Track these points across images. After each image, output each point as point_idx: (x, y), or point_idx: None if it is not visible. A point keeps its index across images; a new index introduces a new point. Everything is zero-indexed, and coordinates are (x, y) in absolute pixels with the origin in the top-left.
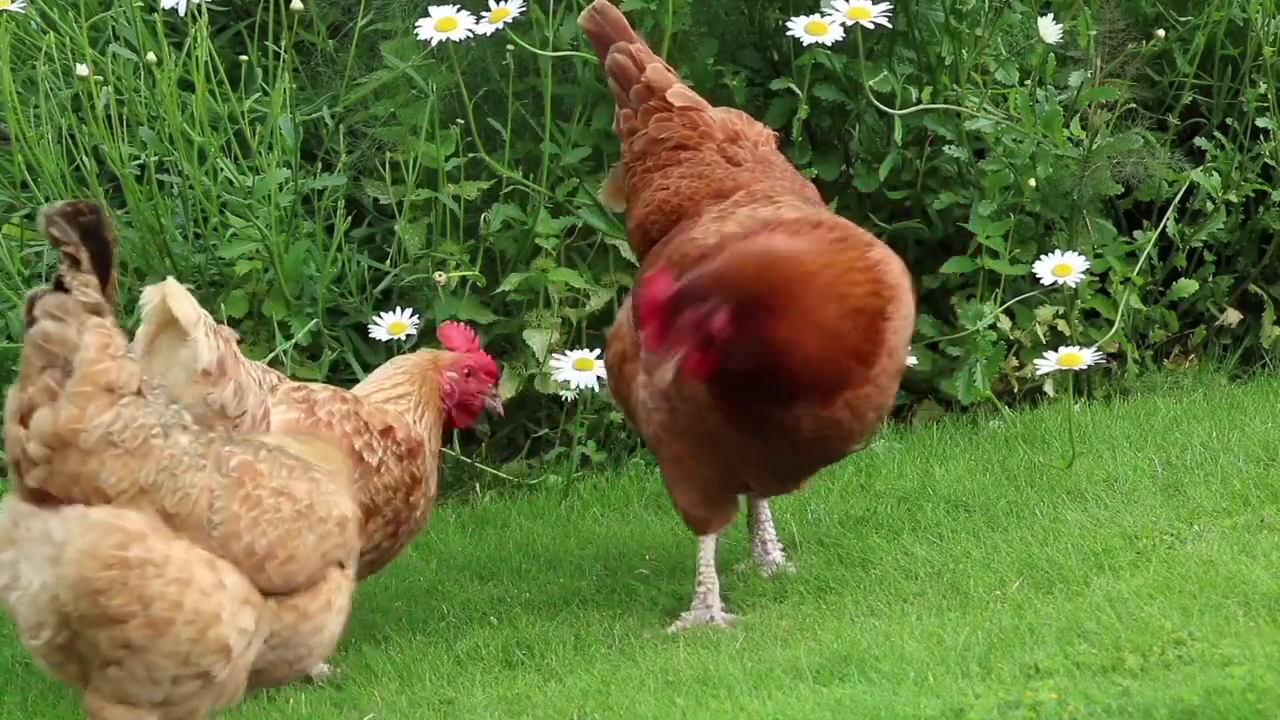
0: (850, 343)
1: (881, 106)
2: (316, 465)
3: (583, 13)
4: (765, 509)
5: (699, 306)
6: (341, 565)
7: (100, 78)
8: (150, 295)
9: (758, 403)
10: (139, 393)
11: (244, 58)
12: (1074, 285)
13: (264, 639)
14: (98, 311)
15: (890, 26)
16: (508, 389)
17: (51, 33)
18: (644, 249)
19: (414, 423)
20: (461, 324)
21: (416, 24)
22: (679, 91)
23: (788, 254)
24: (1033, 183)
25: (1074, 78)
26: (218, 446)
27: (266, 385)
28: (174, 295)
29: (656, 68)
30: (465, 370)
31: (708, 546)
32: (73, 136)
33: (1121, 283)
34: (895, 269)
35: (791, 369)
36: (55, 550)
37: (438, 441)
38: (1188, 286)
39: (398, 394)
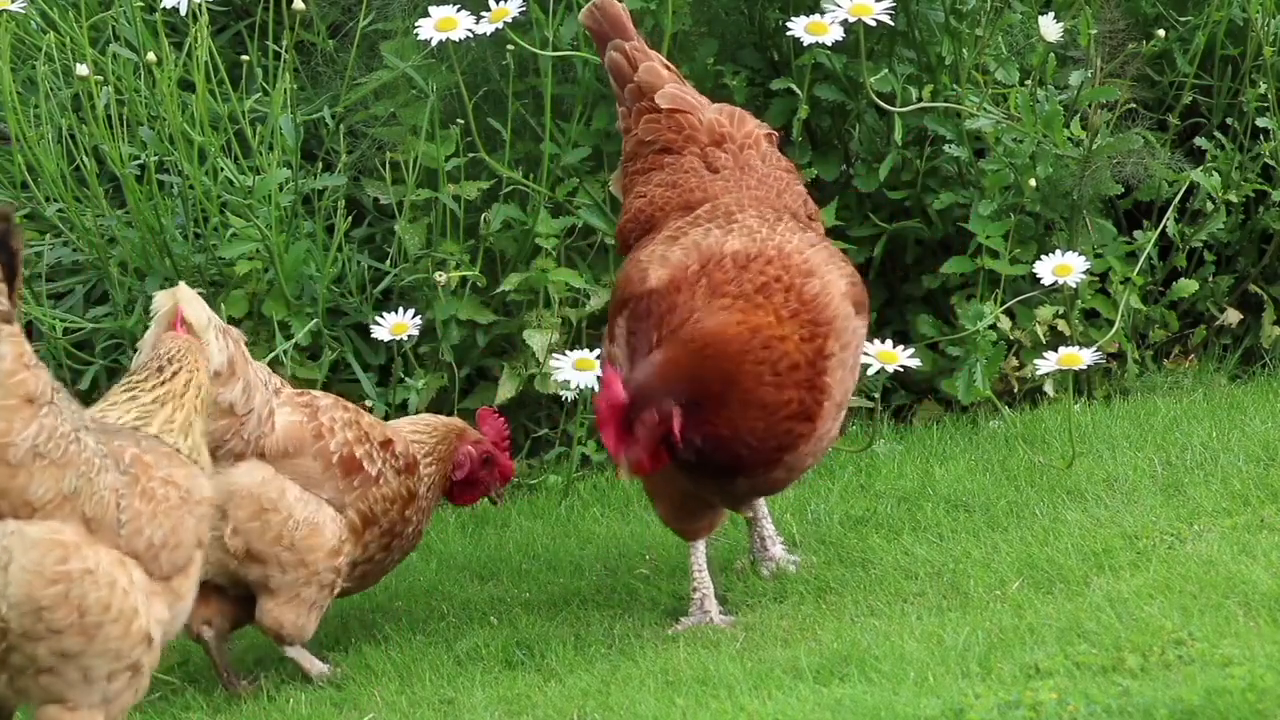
0: (793, 409)
1: (882, 105)
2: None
3: (583, 9)
4: (763, 505)
5: (652, 410)
6: (201, 545)
7: (100, 78)
8: (162, 299)
9: (706, 477)
10: (52, 400)
11: (244, 58)
12: (1074, 285)
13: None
14: (8, 320)
15: (892, 24)
16: (507, 389)
17: (51, 33)
18: (624, 254)
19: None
20: (503, 419)
21: (416, 24)
22: (668, 93)
23: (715, 335)
24: (1033, 183)
25: (1074, 78)
26: (112, 442)
27: (271, 387)
28: (185, 300)
29: (650, 67)
30: (484, 454)
31: (698, 552)
32: (73, 136)
33: (1121, 283)
34: (834, 296)
35: (738, 453)
36: None
37: (435, 498)
38: (1188, 286)
39: (415, 439)
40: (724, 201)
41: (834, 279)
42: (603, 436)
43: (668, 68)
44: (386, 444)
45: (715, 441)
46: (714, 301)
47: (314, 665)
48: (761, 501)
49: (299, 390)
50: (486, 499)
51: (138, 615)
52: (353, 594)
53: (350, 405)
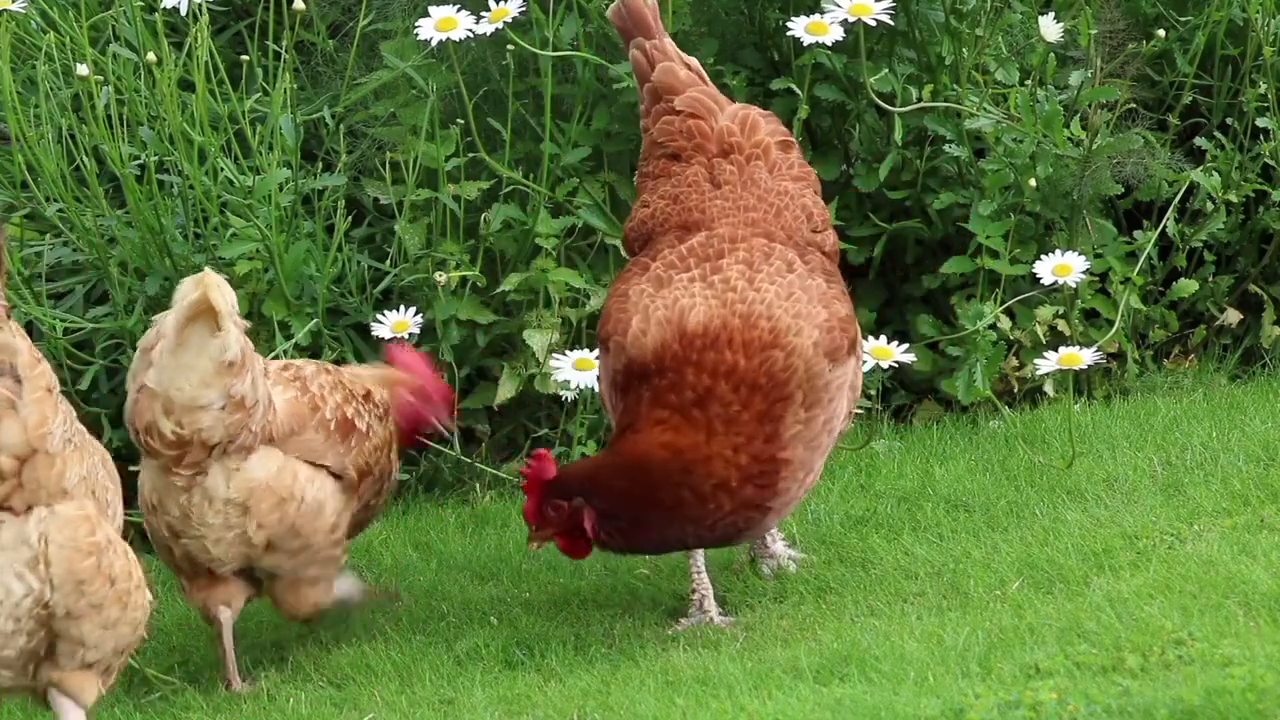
0: (726, 512)
1: (882, 105)
2: None
3: (610, 6)
4: None
5: (564, 505)
6: None
7: (100, 78)
8: (189, 286)
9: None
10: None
11: (244, 58)
12: (1074, 285)
13: None
14: (8, 315)
15: (892, 24)
16: (507, 389)
17: (51, 33)
18: (629, 255)
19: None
20: (408, 346)
21: (416, 24)
22: (688, 98)
23: (641, 457)
24: (1033, 183)
25: (1074, 78)
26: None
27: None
28: (215, 286)
29: (668, 67)
30: (418, 392)
31: (696, 554)
32: (73, 136)
33: (1121, 283)
34: (798, 362)
35: (678, 544)
36: (34, 552)
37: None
38: (1188, 286)
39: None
40: (719, 234)
41: (801, 340)
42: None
43: (688, 67)
44: (367, 395)
45: (643, 541)
46: (652, 413)
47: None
48: None
49: (282, 363)
50: (435, 433)
51: (137, 573)
52: (353, 536)
53: (329, 367)
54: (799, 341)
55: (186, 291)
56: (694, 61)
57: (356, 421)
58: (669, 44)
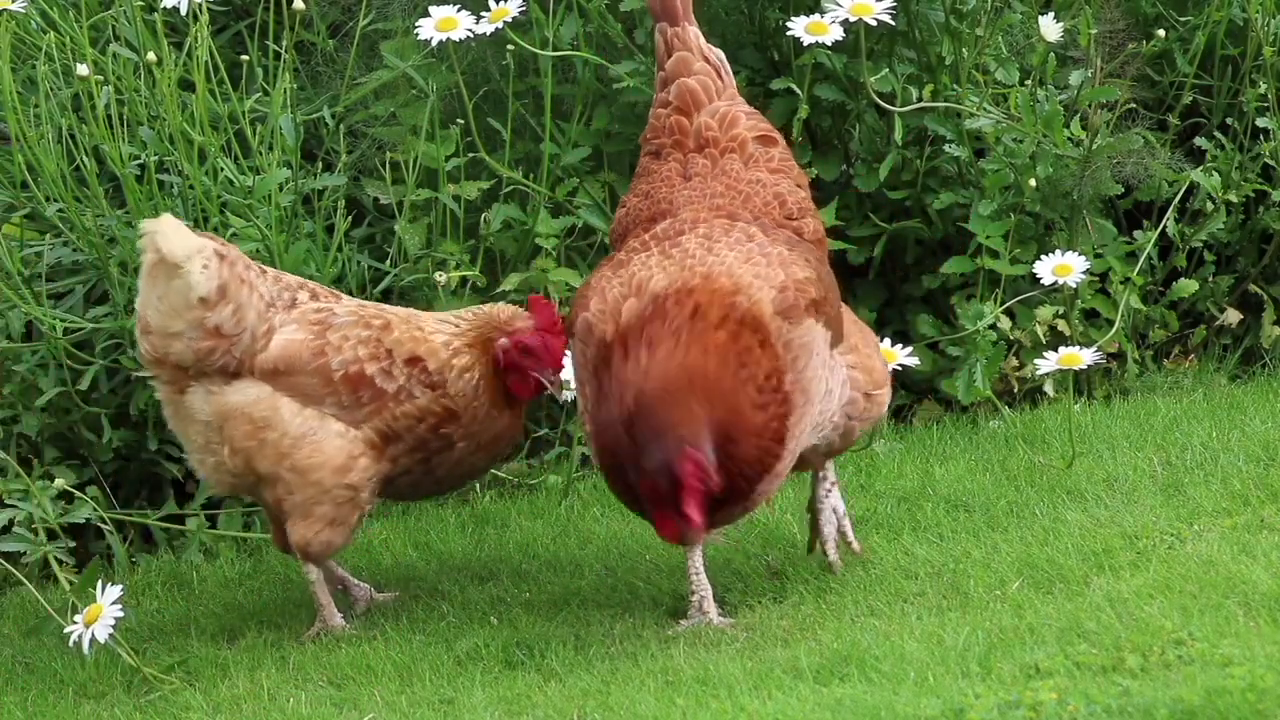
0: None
1: (882, 104)
2: None
3: None
4: (830, 469)
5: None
6: None
7: (100, 78)
8: (144, 227)
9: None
10: None
11: (244, 58)
12: (1074, 285)
13: None
14: None
15: (892, 24)
16: None
17: (51, 32)
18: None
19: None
20: (550, 305)
21: (416, 24)
22: (681, 86)
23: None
24: (1033, 183)
25: (1074, 78)
26: None
27: (282, 303)
28: (163, 234)
29: (683, 56)
30: (519, 344)
31: (695, 555)
32: (73, 136)
33: (1121, 283)
34: (765, 307)
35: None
36: None
37: (487, 396)
38: (1188, 286)
39: (445, 338)
40: (685, 215)
41: (760, 294)
42: (686, 514)
43: (706, 59)
44: (413, 360)
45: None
46: (649, 351)
47: (328, 613)
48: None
49: (321, 306)
50: (545, 392)
51: None
52: (411, 500)
53: (377, 321)
54: (759, 294)
55: (142, 230)
56: (715, 54)
57: (378, 380)
58: (692, 33)
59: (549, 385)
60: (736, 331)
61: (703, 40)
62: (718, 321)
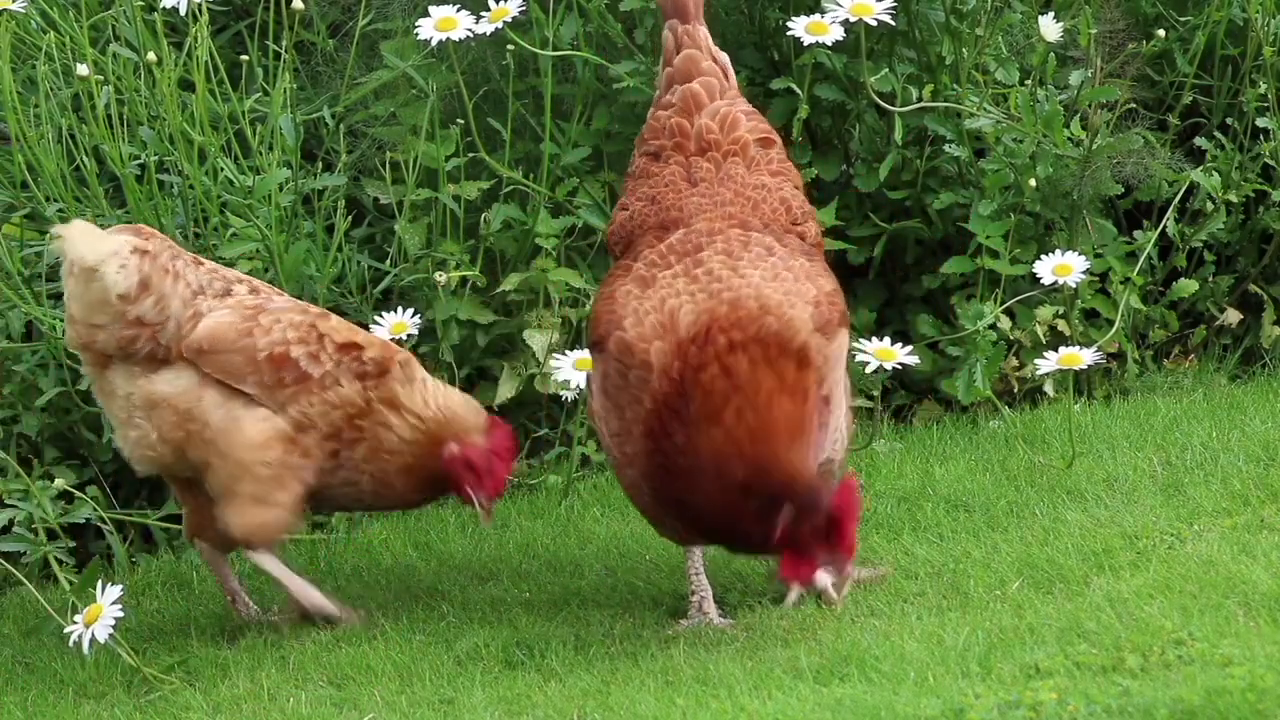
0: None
1: (882, 104)
2: None
3: None
4: None
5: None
6: None
7: (100, 78)
8: (54, 232)
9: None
10: None
11: (244, 58)
12: (1074, 285)
13: None
14: None
15: (892, 24)
16: (507, 389)
17: (51, 32)
18: (613, 258)
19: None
20: (508, 429)
21: (416, 24)
22: (685, 90)
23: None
24: (1033, 183)
25: (1074, 78)
26: None
27: (213, 291)
28: (70, 240)
29: (690, 55)
30: (465, 458)
31: (694, 556)
32: (73, 136)
33: (1121, 283)
34: (802, 326)
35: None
36: None
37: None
38: (1188, 286)
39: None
40: (696, 229)
41: (794, 312)
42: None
43: (715, 59)
44: (348, 346)
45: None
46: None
47: (298, 589)
48: None
49: (259, 298)
50: (473, 503)
51: None
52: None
53: (319, 310)
54: (796, 313)
55: (55, 250)
56: (723, 56)
57: (303, 363)
58: (702, 32)
59: (479, 506)
60: (779, 363)
61: (711, 40)
62: (769, 359)
